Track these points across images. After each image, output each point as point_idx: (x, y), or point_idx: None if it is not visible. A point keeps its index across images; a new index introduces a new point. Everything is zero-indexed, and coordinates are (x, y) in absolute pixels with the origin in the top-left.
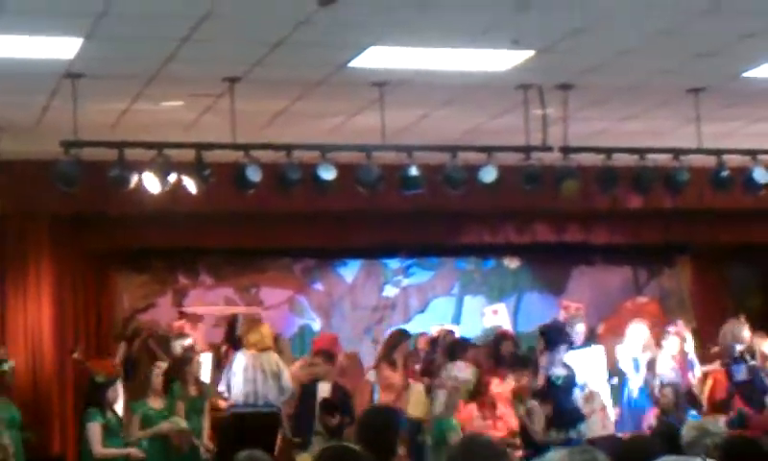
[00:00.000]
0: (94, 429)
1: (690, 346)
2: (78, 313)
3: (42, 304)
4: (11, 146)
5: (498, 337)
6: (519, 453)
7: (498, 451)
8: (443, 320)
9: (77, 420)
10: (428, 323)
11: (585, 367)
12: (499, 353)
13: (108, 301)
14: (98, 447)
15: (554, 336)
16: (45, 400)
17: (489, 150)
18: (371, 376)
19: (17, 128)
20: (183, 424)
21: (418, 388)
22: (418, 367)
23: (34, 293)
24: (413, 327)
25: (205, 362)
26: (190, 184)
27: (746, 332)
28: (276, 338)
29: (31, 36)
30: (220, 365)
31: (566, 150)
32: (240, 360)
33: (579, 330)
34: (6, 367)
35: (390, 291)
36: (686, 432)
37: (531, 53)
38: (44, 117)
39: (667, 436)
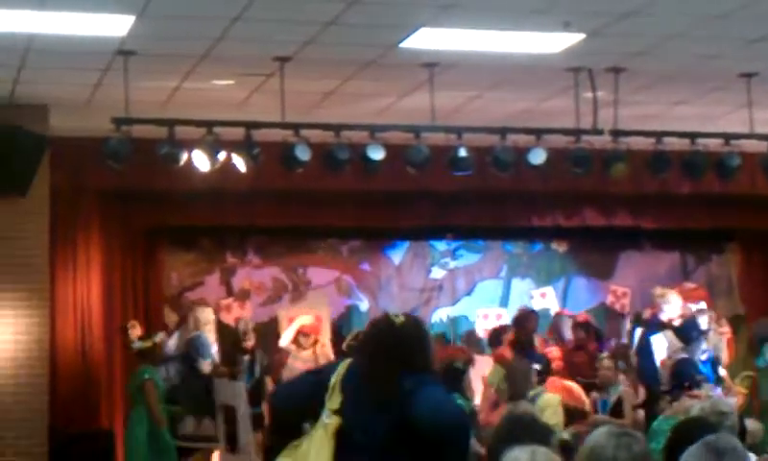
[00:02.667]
0: None
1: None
2: (126, 290)
3: (91, 280)
4: (62, 122)
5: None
6: None
7: (543, 429)
8: (490, 303)
9: (124, 395)
10: (475, 306)
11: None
12: None
13: (156, 278)
14: None
15: (693, 333)
16: (94, 375)
17: (538, 132)
18: None
19: (69, 105)
20: None
21: None
22: None
23: (83, 268)
24: (459, 310)
25: None
26: (239, 163)
27: None
28: None
29: (83, 14)
30: None
31: (616, 133)
32: None
33: (705, 324)
34: (157, 338)
35: (437, 273)
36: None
37: (582, 36)
38: (95, 94)
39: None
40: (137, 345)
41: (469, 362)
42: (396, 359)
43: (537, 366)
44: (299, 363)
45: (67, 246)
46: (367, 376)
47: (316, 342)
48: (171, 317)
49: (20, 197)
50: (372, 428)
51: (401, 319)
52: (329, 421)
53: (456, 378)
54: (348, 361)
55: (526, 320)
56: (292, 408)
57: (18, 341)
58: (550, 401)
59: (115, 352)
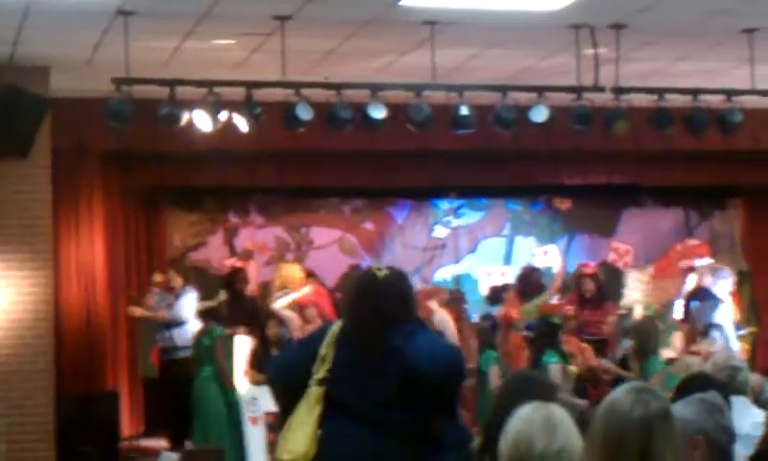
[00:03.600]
0: None
1: None
2: (129, 250)
3: (94, 241)
4: (63, 83)
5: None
6: None
7: (550, 385)
8: (493, 261)
9: (129, 355)
10: (478, 263)
11: None
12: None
13: (159, 238)
14: None
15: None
16: (99, 336)
17: (540, 90)
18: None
19: (70, 65)
20: None
21: None
22: None
23: (86, 229)
24: (462, 268)
25: None
26: (240, 123)
27: None
28: None
29: None
30: None
31: (618, 90)
32: None
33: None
34: (221, 297)
35: (440, 231)
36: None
37: None
38: (96, 55)
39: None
40: (203, 304)
41: (568, 318)
42: (380, 313)
43: None
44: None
45: (70, 207)
46: (353, 334)
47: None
48: (176, 279)
49: (22, 158)
50: (365, 390)
51: (384, 272)
52: (311, 390)
53: (552, 334)
54: (338, 323)
55: (529, 278)
56: (290, 381)
57: (23, 302)
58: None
59: (119, 314)
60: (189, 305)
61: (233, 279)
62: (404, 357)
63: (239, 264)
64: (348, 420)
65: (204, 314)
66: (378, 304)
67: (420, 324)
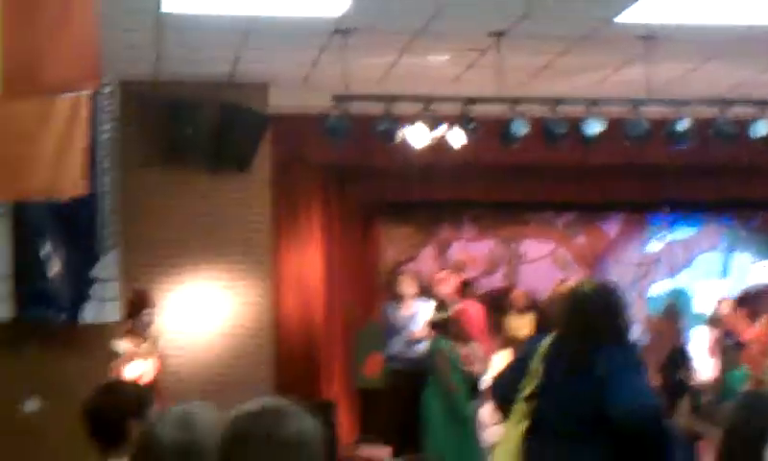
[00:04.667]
0: None
1: None
2: (344, 263)
3: (313, 254)
4: (281, 100)
5: None
6: None
7: None
8: (710, 275)
9: (344, 366)
10: (695, 278)
11: None
12: None
13: (373, 251)
14: None
15: None
16: (315, 345)
17: (761, 104)
18: None
19: (288, 82)
20: None
21: None
22: None
23: (304, 242)
24: (679, 283)
25: None
26: (455, 138)
27: None
28: None
29: None
30: None
31: None
32: None
33: None
34: (451, 311)
35: (654, 246)
36: None
37: None
38: (313, 72)
39: None
40: (435, 316)
41: None
42: (588, 329)
43: None
44: None
45: (289, 220)
46: (561, 349)
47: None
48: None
49: (243, 173)
50: (565, 411)
51: (589, 286)
52: (518, 405)
53: None
54: (550, 337)
55: (758, 297)
56: (505, 398)
57: (246, 312)
58: None
59: (335, 325)
60: (423, 316)
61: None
62: (603, 395)
63: (451, 277)
64: (550, 436)
65: (434, 326)
66: (585, 319)
67: (630, 352)
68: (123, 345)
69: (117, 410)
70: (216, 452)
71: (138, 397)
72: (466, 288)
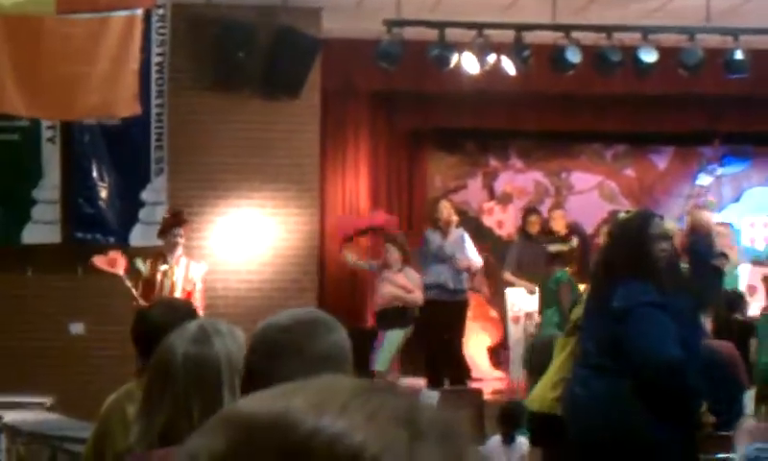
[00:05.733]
0: None
1: None
2: (391, 190)
3: (359, 181)
4: (334, 25)
5: None
6: None
7: None
8: (758, 210)
9: None
10: (743, 212)
11: None
12: None
13: (420, 179)
14: None
15: None
16: (360, 274)
17: None
18: None
19: (340, 7)
20: None
21: None
22: None
23: (351, 169)
24: (726, 218)
25: None
26: (508, 65)
27: None
28: None
29: None
30: None
31: None
32: None
33: None
34: (573, 243)
35: (703, 179)
36: None
37: None
38: None
39: None
40: (554, 247)
41: None
42: (602, 263)
43: None
44: None
45: (337, 147)
46: (591, 284)
47: None
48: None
49: (294, 99)
50: (592, 344)
51: (621, 218)
52: (559, 340)
53: None
54: None
55: None
56: None
57: (291, 239)
58: None
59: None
60: (469, 245)
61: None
62: (620, 331)
63: (498, 208)
64: (582, 365)
65: (553, 258)
66: (605, 252)
67: (650, 287)
68: (141, 264)
69: (164, 326)
70: (241, 364)
71: (187, 313)
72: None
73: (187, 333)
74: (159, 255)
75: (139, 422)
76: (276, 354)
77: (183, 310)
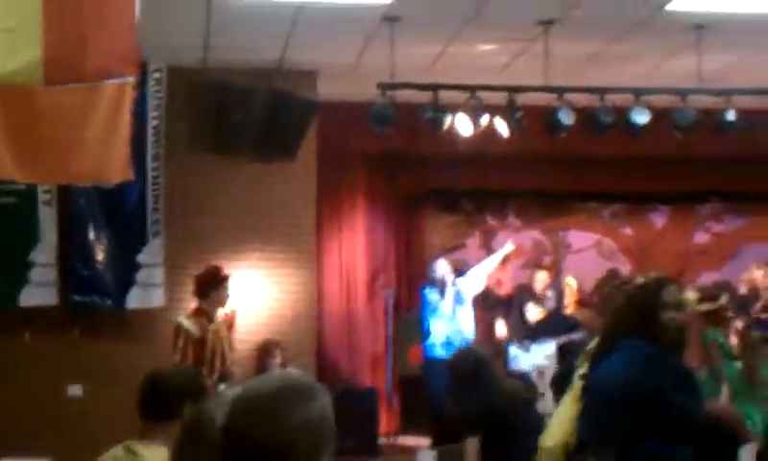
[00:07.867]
0: None
1: None
2: (388, 250)
3: (356, 242)
4: (329, 88)
5: None
6: None
7: None
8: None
9: (387, 354)
10: (740, 271)
11: None
12: None
13: (418, 239)
14: None
15: None
16: (358, 333)
17: None
18: None
19: (336, 70)
20: None
21: None
22: None
23: (348, 231)
24: (725, 275)
25: None
26: (502, 127)
27: None
28: None
29: None
30: None
31: None
32: None
33: None
34: (723, 300)
35: (701, 238)
36: None
37: None
38: (361, 60)
39: None
40: (704, 306)
41: None
42: (618, 322)
43: None
44: None
45: (333, 208)
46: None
47: None
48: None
49: (290, 161)
50: (594, 393)
51: (634, 282)
52: (576, 384)
53: None
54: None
55: None
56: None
57: (287, 300)
58: None
59: (378, 313)
60: (468, 301)
61: None
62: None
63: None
64: (593, 413)
65: (703, 316)
66: (619, 312)
67: (644, 345)
68: (188, 323)
69: (177, 388)
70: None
71: (198, 379)
72: None
73: (224, 401)
74: (199, 313)
75: None
76: (255, 419)
77: (192, 374)
